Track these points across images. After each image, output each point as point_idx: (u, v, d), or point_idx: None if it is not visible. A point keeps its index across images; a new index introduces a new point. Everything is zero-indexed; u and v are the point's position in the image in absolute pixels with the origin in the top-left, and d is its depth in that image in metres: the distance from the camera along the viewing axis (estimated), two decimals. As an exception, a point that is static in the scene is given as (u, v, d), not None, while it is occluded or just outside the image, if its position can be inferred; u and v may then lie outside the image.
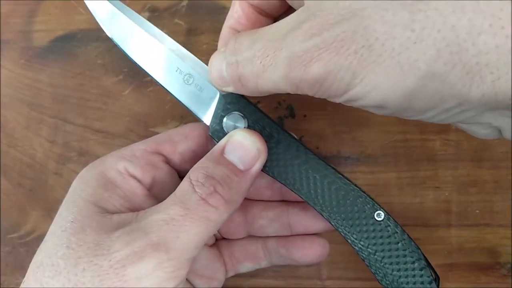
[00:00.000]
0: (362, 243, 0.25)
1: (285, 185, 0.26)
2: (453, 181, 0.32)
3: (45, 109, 0.36)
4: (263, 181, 0.29)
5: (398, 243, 0.24)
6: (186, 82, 0.26)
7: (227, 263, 0.30)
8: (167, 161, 0.27)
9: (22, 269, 0.35)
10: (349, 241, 0.25)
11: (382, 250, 0.24)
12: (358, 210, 0.25)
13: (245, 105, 0.26)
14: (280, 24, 0.21)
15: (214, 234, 0.30)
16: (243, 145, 0.24)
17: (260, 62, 0.21)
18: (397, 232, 0.24)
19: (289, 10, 0.26)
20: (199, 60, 0.27)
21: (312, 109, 0.34)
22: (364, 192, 0.25)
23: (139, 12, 0.29)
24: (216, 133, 0.26)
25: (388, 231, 0.24)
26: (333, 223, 0.25)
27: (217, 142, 0.25)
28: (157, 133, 0.31)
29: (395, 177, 0.33)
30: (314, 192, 0.25)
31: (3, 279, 0.35)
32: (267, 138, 0.25)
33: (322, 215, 0.25)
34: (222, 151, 0.24)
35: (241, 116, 0.26)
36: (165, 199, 0.23)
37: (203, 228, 0.22)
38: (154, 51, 0.27)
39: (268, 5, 0.26)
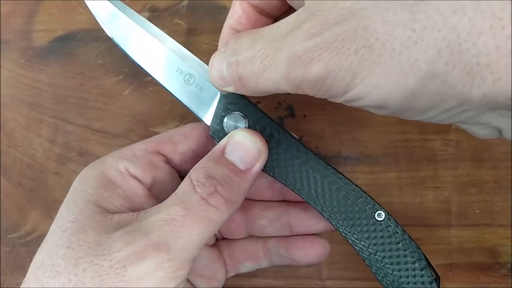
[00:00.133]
0: (362, 243, 0.25)
1: (285, 185, 0.26)
2: (453, 181, 0.32)
3: (45, 109, 0.36)
4: (264, 181, 0.29)
5: (399, 243, 0.24)
6: (186, 82, 0.26)
7: (227, 263, 0.30)
8: (168, 161, 0.27)
9: (22, 269, 0.35)
10: (349, 241, 0.25)
11: (383, 250, 0.24)
12: (358, 210, 0.25)
13: (246, 105, 0.26)
14: (281, 24, 0.21)
15: (214, 234, 0.30)
16: (244, 145, 0.24)
17: (261, 62, 0.21)
18: (397, 232, 0.24)
19: (289, 10, 0.26)
20: (199, 60, 0.27)
21: (312, 109, 0.34)
22: (364, 192, 0.25)
23: (139, 12, 0.29)
24: (216, 133, 0.26)
25: (389, 231, 0.24)
26: (333, 223, 0.25)
27: (218, 142, 0.25)
28: (157, 133, 0.31)
29: (395, 177, 0.33)
30: (314, 192, 0.25)
31: (3, 279, 0.35)
32: (268, 138, 0.25)
33: (322, 215, 0.25)
34: (223, 151, 0.24)
35: (242, 116, 0.26)
36: (165, 199, 0.23)
37: (203, 228, 0.22)
38: (154, 51, 0.27)
39: (269, 5, 0.26)
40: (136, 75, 0.36)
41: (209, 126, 0.26)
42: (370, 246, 0.24)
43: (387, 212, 0.25)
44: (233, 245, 0.30)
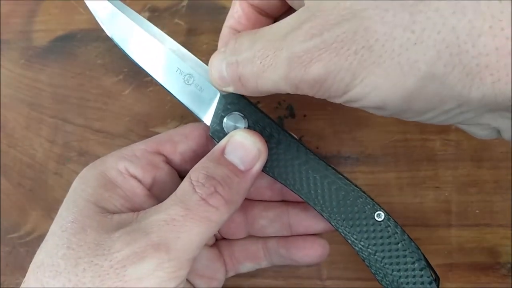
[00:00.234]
0: (362, 243, 0.25)
1: (285, 186, 0.26)
2: (453, 181, 0.32)
3: (45, 109, 0.36)
4: (264, 181, 0.29)
5: (398, 243, 0.24)
6: (186, 82, 0.26)
7: (227, 263, 0.30)
8: (168, 161, 0.27)
9: (22, 269, 0.35)
10: (349, 241, 0.25)
11: (382, 251, 0.24)
12: (358, 210, 0.25)
13: (246, 105, 0.26)
14: (280, 24, 0.21)
15: (214, 234, 0.30)
16: (244, 145, 0.24)
17: (260, 62, 0.21)
18: (397, 233, 0.24)
19: (289, 10, 0.26)
20: (199, 60, 0.27)
21: (312, 109, 0.34)
22: (364, 193, 0.25)
23: (139, 12, 0.29)
24: (216, 133, 0.26)
25: (388, 231, 0.24)
26: (333, 224, 0.25)
27: (218, 142, 0.25)
28: (157, 133, 0.31)
29: (395, 177, 0.33)
30: (314, 192, 0.25)
31: (3, 279, 0.35)
32: (268, 138, 0.25)
33: (322, 215, 0.25)
34: (223, 151, 0.24)
35: (242, 116, 0.26)
36: (165, 199, 0.24)
37: (203, 229, 0.23)
38: (154, 51, 0.27)
39: (269, 5, 0.26)
40: (136, 75, 0.36)
41: (208, 126, 0.26)
42: (370, 246, 0.25)
43: (386, 212, 0.25)
44: (233, 245, 0.30)
